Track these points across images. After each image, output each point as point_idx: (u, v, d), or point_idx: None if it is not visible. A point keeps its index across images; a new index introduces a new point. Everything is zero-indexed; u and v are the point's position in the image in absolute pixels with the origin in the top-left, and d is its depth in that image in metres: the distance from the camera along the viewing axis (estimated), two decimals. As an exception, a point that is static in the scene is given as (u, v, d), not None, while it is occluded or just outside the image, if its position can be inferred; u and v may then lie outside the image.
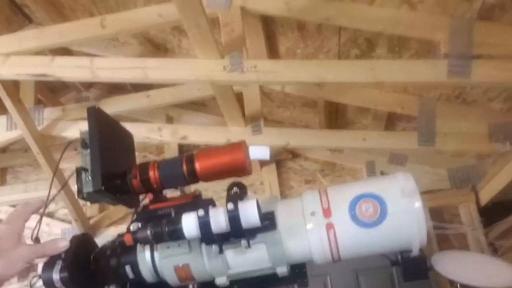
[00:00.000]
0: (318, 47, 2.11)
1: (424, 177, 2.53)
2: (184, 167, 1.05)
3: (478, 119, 2.10)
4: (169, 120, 3.01)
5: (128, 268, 1.06)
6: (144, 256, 1.06)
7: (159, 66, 1.85)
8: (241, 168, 1.04)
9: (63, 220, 2.96)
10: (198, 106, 3.07)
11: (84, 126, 1.27)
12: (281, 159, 2.83)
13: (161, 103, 2.60)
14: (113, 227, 2.77)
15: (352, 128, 2.62)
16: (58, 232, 2.87)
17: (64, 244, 0.89)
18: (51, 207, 3.01)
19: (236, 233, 0.95)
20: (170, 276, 1.05)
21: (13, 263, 0.79)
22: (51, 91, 3.20)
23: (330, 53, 2.11)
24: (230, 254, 1.03)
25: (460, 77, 1.58)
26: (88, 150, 1.07)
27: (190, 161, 1.05)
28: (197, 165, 1.05)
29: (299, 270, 1.07)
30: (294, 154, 2.84)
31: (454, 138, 2.13)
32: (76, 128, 2.48)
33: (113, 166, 1.09)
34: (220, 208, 0.96)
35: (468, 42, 1.63)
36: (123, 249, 1.08)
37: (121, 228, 1.11)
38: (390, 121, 2.49)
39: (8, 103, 2.38)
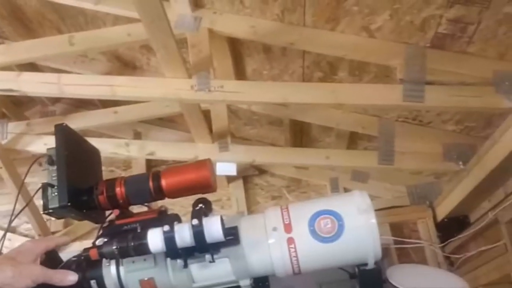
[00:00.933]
0: (283, 69, 2.19)
1: (385, 193, 2.63)
2: (151, 184, 1.08)
3: (433, 140, 2.21)
4: (137, 135, 3.02)
5: (93, 283, 1.08)
6: (109, 270, 1.08)
7: (127, 83, 1.88)
8: (206, 185, 1.08)
9: (25, 235, 2.89)
10: (166, 122, 3.10)
11: (49, 140, 1.29)
12: (248, 175, 2.88)
13: (129, 119, 2.62)
14: (78, 242, 2.72)
15: (316, 146, 2.71)
16: (19, 248, 2.79)
17: (73, 279, 0.91)
18: (14, 222, 2.92)
19: (201, 248, 0.98)
20: (135, 290, 1.07)
21: (22, 277, 0.81)
22: (16, 105, 3.16)
23: (294, 74, 2.19)
24: (195, 268, 1.06)
25: (415, 101, 1.68)
26: (55, 167, 1.09)
27: (157, 178, 1.09)
28: (164, 182, 1.08)
29: (262, 283, 1.12)
30: (260, 170, 2.90)
31: (411, 157, 2.24)
32: (41, 143, 2.46)
33: (79, 182, 1.11)
34: (185, 224, 1.00)
35: (421, 68, 1.73)
36: (88, 264, 1.10)
37: (86, 244, 1.12)
38: (352, 140, 2.59)
39: (-30, 116, 2.35)
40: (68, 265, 1.10)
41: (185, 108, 2.11)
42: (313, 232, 1.05)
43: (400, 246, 2.53)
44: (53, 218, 3.12)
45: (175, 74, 1.82)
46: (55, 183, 1.06)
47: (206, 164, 1.10)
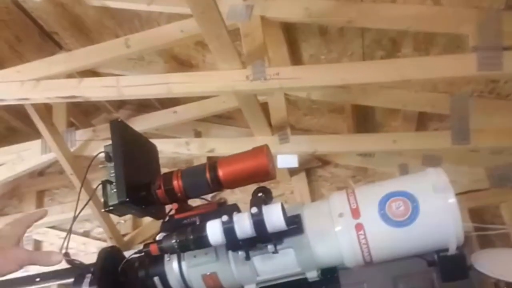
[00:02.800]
0: (342, 51, 2.08)
1: (462, 177, 2.43)
2: (208, 175, 1.04)
3: (514, 114, 2.01)
4: (197, 135, 3.04)
5: (156, 280, 1.06)
6: (171, 266, 1.05)
7: (182, 80, 1.87)
8: (265, 172, 1.02)
9: (98, 239, 3.01)
10: (224, 119, 3.09)
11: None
12: (311, 167, 2.79)
13: (188, 118, 2.62)
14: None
15: (382, 131, 2.56)
16: (94, 250, 2.91)
17: (57, 258, 0.88)
18: (87, 226, 3.06)
19: (262, 238, 0.92)
20: (198, 285, 1.03)
21: (7, 262, 0.80)
22: (84, 114, 3.29)
23: (354, 56, 2.08)
24: (258, 260, 1.01)
25: (492, 69, 1.52)
26: (112, 163, 1.08)
27: (213, 168, 1.04)
28: (220, 172, 1.04)
29: (330, 274, 1.04)
30: (323, 161, 2.80)
31: (490, 135, 2.04)
32: (107, 148, 2.52)
33: (137, 178, 1.10)
34: (244, 213, 0.94)
35: (497, 33, 1.56)
36: (150, 261, 1.08)
37: None
38: (421, 122, 2.42)
39: (41, 126, 2.46)
40: (131, 263, 1.09)
41: (242, 101, 2.06)
42: (384, 216, 0.95)
43: (482, 233, 2.33)
44: (122, 221, 3.19)
45: (230, 65, 1.78)
46: (113, 179, 1.05)
47: (264, 151, 1.04)
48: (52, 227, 3.18)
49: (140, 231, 2.92)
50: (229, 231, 0.92)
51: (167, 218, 1.10)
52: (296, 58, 2.20)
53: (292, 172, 2.74)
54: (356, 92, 2.19)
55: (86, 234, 3.04)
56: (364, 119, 2.54)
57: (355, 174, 2.76)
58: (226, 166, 1.05)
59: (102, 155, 1.11)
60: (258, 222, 0.90)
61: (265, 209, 0.92)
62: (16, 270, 0.81)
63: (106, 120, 3.31)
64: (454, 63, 1.61)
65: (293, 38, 2.12)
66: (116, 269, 1.08)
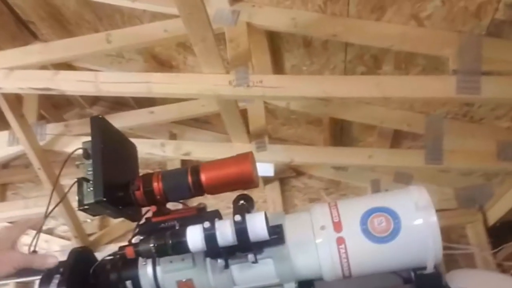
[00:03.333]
0: (324, 64, 2.09)
1: (431, 196, 2.47)
2: (189, 178, 1.02)
3: (486, 137, 2.06)
4: (172, 137, 2.99)
5: (129, 284, 1.02)
6: (145, 270, 1.02)
7: (163, 80, 1.83)
8: (249, 180, 1.01)
9: (62, 237, 2.91)
10: (201, 123, 3.06)
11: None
12: (285, 177, 2.79)
13: (165, 119, 2.58)
14: (113, 244, 2.71)
15: (357, 146, 2.59)
16: (57, 249, 2.82)
17: (52, 261, 0.89)
18: (51, 223, 2.96)
19: (243, 247, 0.91)
20: (173, 292, 1.01)
21: (3, 264, 0.81)
22: (55, 107, 3.19)
23: (336, 70, 2.09)
24: (236, 269, 0.99)
25: (470, 93, 1.56)
26: (90, 160, 1.04)
27: (196, 172, 1.02)
28: (203, 176, 1.02)
29: (307, 287, 1.03)
30: (298, 172, 2.81)
31: (462, 156, 2.09)
32: (79, 144, 2.44)
33: (115, 177, 1.06)
34: (226, 221, 0.92)
35: (477, 58, 1.61)
36: (124, 264, 1.04)
37: None
38: (396, 140, 2.46)
39: (10, 117, 2.37)
40: (103, 265, 1.06)
41: (222, 106, 2.04)
42: (366, 231, 0.95)
43: (448, 252, 2.39)
44: (89, 220, 3.09)
45: (213, 69, 1.76)
46: (90, 177, 1.01)
47: (248, 158, 1.02)
48: (13, 222, 3.05)
49: (107, 231, 2.84)
50: (210, 238, 0.89)
51: (143, 221, 1.07)
52: (278, 67, 2.20)
53: (266, 180, 2.74)
54: (335, 106, 2.21)
55: (49, 231, 2.93)
56: (340, 133, 2.57)
57: (328, 187, 2.78)
58: (209, 171, 1.03)
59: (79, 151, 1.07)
60: (241, 230, 0.89)
61: (249, 217, 0.90)
62: (12, 273, 0.83)
63: (79, 116, 3.22)
64: (434, 84, 1.65)
65: (276, 46, 2.12)
66: (87, 271, 1.04)
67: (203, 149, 2.43)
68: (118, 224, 2.77)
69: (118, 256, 1.06)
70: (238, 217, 0.89)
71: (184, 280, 0.99)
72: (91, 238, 2.81)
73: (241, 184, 1.02)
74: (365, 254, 0.96)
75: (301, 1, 1.81)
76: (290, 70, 2.21)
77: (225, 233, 0.90)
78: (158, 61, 2.57)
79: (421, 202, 0.96)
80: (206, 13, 1.56)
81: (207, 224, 0.90)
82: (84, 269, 1.04)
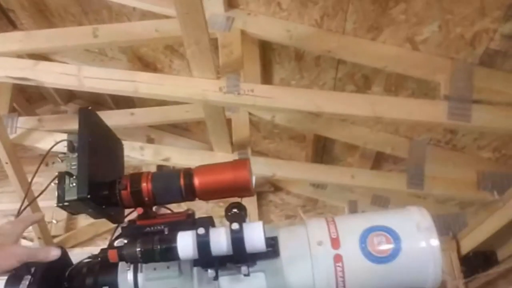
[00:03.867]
0: (314, 79, 2.08)
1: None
2: (182, 182, 0.95)
3: (467, 166, 2.09)
4: (150, 141, 2.90)
5: (106, 290, 0.94)
6: (126, 277, 0.94)
7: (150, 80, 1.77)
8: (245, 187, 0.95)
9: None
10: (181, 130, 2.98)
11: (60, 138, 1.17)
12: (263, 191, 2.74)
13: (145, 122, 2.50)
14: (78, 248, 2.58)
15: (337, 165, 2.57)
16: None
17: (55, 253, 0.87)
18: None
19: (238, 258, 0.85)
20: (154, 302, 0.93)
21: (8, 259, 0.81)
22: (28, 101, 3.06)
23: (325, 86, 2.08)
24: (224, 281, 0.92)
25: (461, 120, 1.57)
26: (76, 154, 0.96)
27: (189, 175, 0.96)
28: (196, 180, 0.96)
29: (295, 305, 0.97)
30: (276, 187, 2.77)
31: (442, 183, 2.10)
32: (52, 140, 2.34)
33: (101, 174, 0.99)
34: (222, 228, 0.86)
35: (468, 86, 1.62)
36: (102, 268, 0.96)
37: (88, 250, 1.00)
38: (377, 162, 2.46)
39: (-20, 107, 2.24)
40: (79, 268, 0.97)
41: (208, 112, 1.99)
42: (365, 250, 0.91)
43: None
44: (54, 221, 2.93)
45: (204, 74, 1.71)
46: (74, 172, 0.94)
47: (246, 165, 0.97)
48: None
49: (73, 234, 2.71)
50: (203, 245, 0.83)
51: (126, 223, 1.00)
52: (266, 79, 2.17)
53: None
54: (322, 123, 2.19)
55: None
56: (322, 151, 2.55)
57: (306, 204, 2.74)
58: (203, 175, 0.97)
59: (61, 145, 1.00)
60: (237, 239, 0.83)
61: (246, 226, 0.85)
62: (16, 266, 0.82)
63: (52, 112, 3.09)
64: (426, 108, 1.65)
65: (267, 58, 2.10)
66: (61, 273, 0.95)
67: (183, 156, 2.36)
68: (86, 227, 2.65)
69: (96, 259, 0.98)
70: (235, 225, 0.83)
71: (167, 290, 0.93)
72: (56, 240, 2.67)
73: (236, 191, 0.97)
74: (362, 274, 0.91)
75: (298, 13, 1.79)
76: (279, 83, 2.18)
77: (220, 241, 0.84)
78: (142, 62, 2.50)
79: (423, 223, 0.93)
80: (204, 15, 1.52)
81: (201, 231, 0.83)
82: (58, 271, 0.95)
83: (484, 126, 1.59)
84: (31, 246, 0.89)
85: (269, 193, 2.77)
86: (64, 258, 1.00)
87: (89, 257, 0.97)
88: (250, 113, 2.32)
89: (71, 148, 0.97)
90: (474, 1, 1.45)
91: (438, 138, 2.14)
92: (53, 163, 1.07)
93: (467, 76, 1.64)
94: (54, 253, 0.87)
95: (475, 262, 2.37)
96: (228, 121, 2.27)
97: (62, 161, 0.99)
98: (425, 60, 1.70)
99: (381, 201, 2.57)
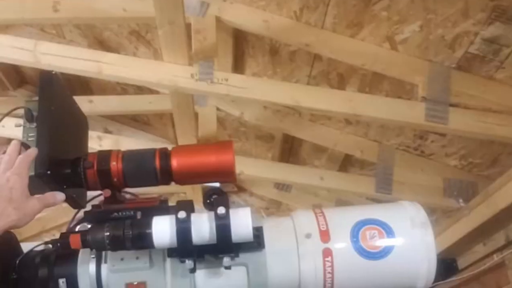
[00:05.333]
0: (287, 76, 2.01)
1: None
2: (157, 162, 0.85)
3: (434, 173, 2.09)
4: (107, 133, 2.73)
5: (62, 282, 0.82)
6: (87, 268, 0.82)
7: (117, 62, 1.63)
8: (229, 171, 0.86)
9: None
10: (140, 124, 2.83)
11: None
12: (226, 191, 2.63)
13: (104, 111, 2.33)
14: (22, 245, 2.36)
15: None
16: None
17: (61, 197, 0.80)
18: None
19: (221, 247, 0.75)
20: (117, 296, 0.81)
21: (27, 215, 0.75)
22: (-29, 83, 2.80)
23: (298, 83, 2.02)
24: (201, 275, 0.82)
25: (438, 122, 1.54)
26: (34, 124, 0.84)
27: (165, 156, 0.85)
28: (174, 162, 0.85)
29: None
30: (240, 188, 2.67)
31: (409, 189, 2.09)
32: (-2, 124, 2.13)
33: (63, 149, 0.86)
34: (205, 214, 0.76)
35: (446, 89, 1.61)
36: (58, 258, 0.84)
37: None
38: (343, 166, 2.42)
39: None
40: (31, 257, 0.84)
41: (177, 101, 1.86)
42: (356, 244, 0.83)
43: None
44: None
45: (176, 58, 1.60)
46: (32, 144, 0.81)
47: (231, 147, 0.87)
48: None
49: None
50: (183, 232, 0.73)
51: (89, 207, 0.88)
52: (237, 71, 2.07)
53: (206, 192, 2.56)
54: (291, 122, 2.13)
55: None
56: (289, 153, 2.48)
57: (269, 206, 2.67)
58: (182, 156, 0.86)
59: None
60: (223, 226, 0.73)
61: (233, 212, 0.75)
62: (31, 220, 0.77)
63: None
64: (404, 108, 1.62)
65: (240, 50, 2.01)
66: (8, 262, 0.82)
67: (144, 147, 2.21)
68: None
69: (52, 247, 0.85)
70: (222, 210, 0.74)
71: (135, 283, 0.81)
72: (-6, 236, 2.43)
73: (219, 175, 0.88)
74: (353, 270, 0.84)
75: (276, 4, 1.72)
76: (250, 76, 2.09)
77: (202, 228, 0.74)
78: (104, 47, 2.34)
79: (418, 218, 0.86)
80: (181, -6, 1.41)
81: (182, 214, 0.73)
82: (5, 260, 0.82)
83: (460, 130, 1.58)
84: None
85: (232, 193, 2.67)
86: (12, 244, 0.87)
87: (45, 243, 0.84)
88: (217, 109, 2.22)
89: (29, 117, 0.84)
90: (459, 1, 1.43)
91: (407, 143, 2.13)
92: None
93: (445, 79, 1.63)
94: (59, 197, 0.79)
95: (437, 269, 2.38)
96: (195, 115, 2.16)
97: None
98: (403, 61, 1.67)
99: (345, 206, 2.53)
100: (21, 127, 0.84)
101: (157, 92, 2.24)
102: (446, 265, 2.33)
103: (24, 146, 0.81)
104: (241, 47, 1.99)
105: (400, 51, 1.69)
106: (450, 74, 1.64)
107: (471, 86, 1.62)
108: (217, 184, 0.94)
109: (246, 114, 2.18)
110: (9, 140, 0.94)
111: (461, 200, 2.06)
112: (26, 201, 0.75)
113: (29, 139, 0.83)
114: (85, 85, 2.59)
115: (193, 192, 2.45)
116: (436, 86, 1.63)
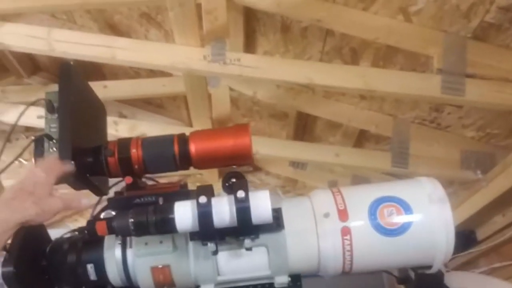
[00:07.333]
0: (300, 52, 1.99)
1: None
2: (176, 148, 0.86)
3: (450, 145, 2.07)
4: (122, 118, 2.75)
5: (90, 267, 0.85)
6: (113, 253, 0.85)
7: (130, 46, 1.64)
8: (246, 154, 0.87)
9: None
10: (154, 107, 2.85)
11: (27, 111, 1.05)
12: (242, 171, 2.65)
13: (118, 96, 2.35)
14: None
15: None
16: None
17: (86, 202, 0.80)
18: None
19: (242, 230, 0.77)
20: (144, 279, 0.84)
21: (45, 213, 0.74)
22: (-13, 72, 2.84)
23: (311, 60, 2.00)
24: (223, 257, 0.85)
25: (455, 94, 1.53)
26: (55, 115, 0.86)
27: (183, 141, 0.87)
28: (192, 147, 0.87)
29: (294, 283, 0.90)
30: (255, 167, 2.69)
31: (426, 162, 2.08)
32: (16, 113, 2.16)
33: (85, 139, 0.88)
34: (225, 197, 0.78)
35: (462, 60, 1.58)
36: (85, 244, 0.87)
37: (56, 233, 0.90)
38: (359, 142, 2.42)
39: None
40: (60, 244, 0.87)
41: (190, 83, 1.87)
42: (374, 222, 0.84)
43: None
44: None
45: (187, 40, 1.59)
46: (55, 135, 0.83)
47: (247, 129, 0.88)
48: None
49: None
50: (205, 216, 0.75)
51: (112, 194, 0.90)
52: (249, 51, 2.06)
53: (222, 172, 2.59)
54: (304, 100, 2.12)
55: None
56: (303, 130, 2.48)
57: (285, 185, 2.68)
58: (200, 141, 0.88)
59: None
60: (243, 209, 0.75)
61: (252, 195, 0.77)
62: (51, 218, 0.77)
63: (15, 84, 2.88)
64: (418, 82, 1.60)
65: (251, 28, 1.99)
66: (38, 250, 0.85)
67: (159, 131, 2.22)
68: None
69: (79, 234, 0.88)
70: (241, 193, 0.75)
71: (160, 266, 0.84)
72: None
73: (236, 159, 0.89)
74: (371, 248, 0.85)
75: (287, -20, 1.70)
76: (262, 55, 2.08)
77: (223, 211, 0.76)
78: (115, 31, 2.34)
79: (436, 194, 0.87)
80: (191, -26, 1.40)
81: (203, 199, 0.75)
82: (35, 248, 0.85)
83: (478, 101, 1.56)
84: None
85: (247, 173, 2.69)
86: (42, 233, 0.90)
87: (72, 231, 0.87)
88: (230, 89, 2.22)
89: (50, 108, 0.86)
90: (475, -32, 1.40)
91: (423, 116, 2.11)
92: (17, 139, 0.95)
93: (461, 50, 1.60)
94: (84, 203, 0.79)
95: (455, 241, 2.38)
96: (209, 96, 2.17)
97: (27, 137, 0.89)
98: (417, 33, 1.64)
99: (361, 182, 2.54)
100: (43, 119, 0.86)
101: (170, 75, 2.25)
102: (465, 237, 2.33)
103: (48, 137, 0.83)
104: (251, 25, 1.98)
105: (414, 23, 1.66)
106: (466, 44, 1.61)
107: (487, 56, 1.59)
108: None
109: (259, 93, 2.18)
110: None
111: (479, 172, 2.05)
112: (48, 198, 0.75)
113: (51, 129, 0.85)
114: (98, 70, 2.61)
115: (209, 173, 2.48)
116: (452, 57, 1.60)
